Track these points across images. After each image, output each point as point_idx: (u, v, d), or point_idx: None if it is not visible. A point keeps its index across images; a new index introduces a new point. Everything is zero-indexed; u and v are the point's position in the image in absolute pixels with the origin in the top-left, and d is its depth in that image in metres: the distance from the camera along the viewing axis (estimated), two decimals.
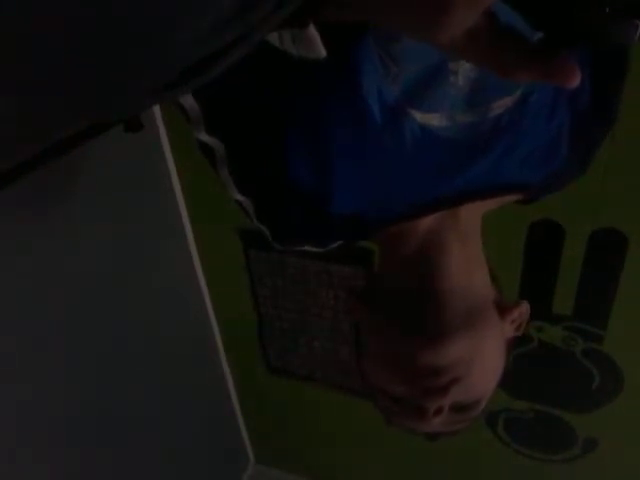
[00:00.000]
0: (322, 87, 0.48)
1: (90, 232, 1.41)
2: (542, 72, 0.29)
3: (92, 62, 0.22)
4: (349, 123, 0.50)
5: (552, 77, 0.29)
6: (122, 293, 1.55)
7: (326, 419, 2.15)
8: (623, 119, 0.61)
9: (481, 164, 0.54)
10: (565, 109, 0.55)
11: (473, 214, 0.59)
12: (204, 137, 0.54)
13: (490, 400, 0.61)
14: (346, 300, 1.68)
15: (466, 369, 0.54)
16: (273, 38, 0.42)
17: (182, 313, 1.85)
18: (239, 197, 0.58)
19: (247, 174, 0.56)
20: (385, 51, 0.46)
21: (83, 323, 1.41)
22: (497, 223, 0.76)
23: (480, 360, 0.55)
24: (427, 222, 0.57)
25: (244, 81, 0.48)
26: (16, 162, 0.30)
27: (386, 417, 0.63)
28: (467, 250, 0.57)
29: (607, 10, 0.26)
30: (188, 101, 0.51)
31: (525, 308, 0.62)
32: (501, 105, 0.51)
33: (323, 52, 0.38)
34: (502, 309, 0.59)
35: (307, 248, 0.63)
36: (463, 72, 0.49)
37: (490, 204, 0.59)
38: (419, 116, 0.50)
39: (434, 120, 0.51)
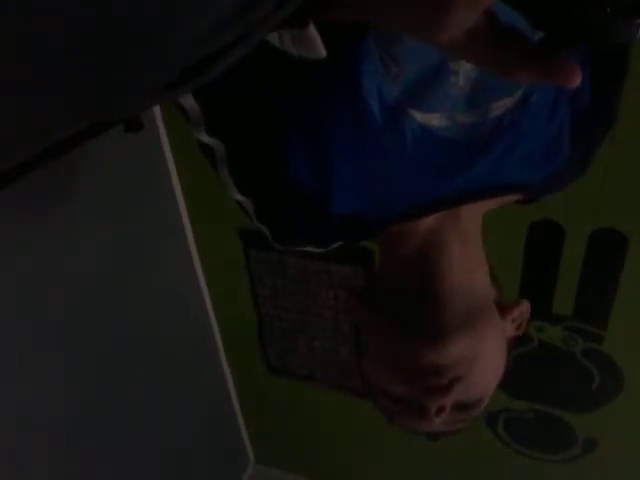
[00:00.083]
0: (322, 87, 0.48)
1: (90, 232, 1.41)
2: (542, 72, 0.29)
3: (92, 62, 0.22)
4: (349, 123, 0.50)
5: (553, 77, 0.29)
6: (122, 293, 1.55)
7: (326, 419, 2.15)
8: (623, 119, 0.61)
9: (481, 164, 0.54)
10: (565, 109, 0.55)
11: (473, 214, 0.59)
12: (204, 138, 0.54)
13: (490, 400, 0.61)
14: (346, 300, 1.68)
15: (467, 368, 0.54)
16: (273, 38, 0.42)
17: (182, 313, 1.85)
18: (239, 197, 0.58)
19: (247, 174, 0.56)
20: (385, 51, 0.46)
21: (83, 323, 1.41)
22: (497, 223, 0.76)
23: (481, 359, 0.55)
24: (427, 222, 0.57)
25: (244, 81, 0.48)
26: (16, 162, 0.30)
27: (387, 417, 0.63)
28: (467, 250, 0.57)
29: (608, 10, 0.26)
30: (188, 101, 0.51)
31: (526, 307, 0.62)
32: (501, 105, 0.51)
33: (323, 52, 0.38)
34: (503, 308, 0.59)
35: (307, 249, 0.63)
36: (464, 72, 0.48)
37: (490, 204, 0.59)
38: (419, 116, 0.50)
39: (434, 120, 0.51)
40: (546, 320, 1.45)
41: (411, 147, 0.51)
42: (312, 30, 0.35)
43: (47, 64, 0.21)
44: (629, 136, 1.08)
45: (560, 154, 0.58)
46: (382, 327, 0.58)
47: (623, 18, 0.26)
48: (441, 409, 0.54)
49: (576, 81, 0.28)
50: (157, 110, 1.54)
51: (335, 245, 0.62)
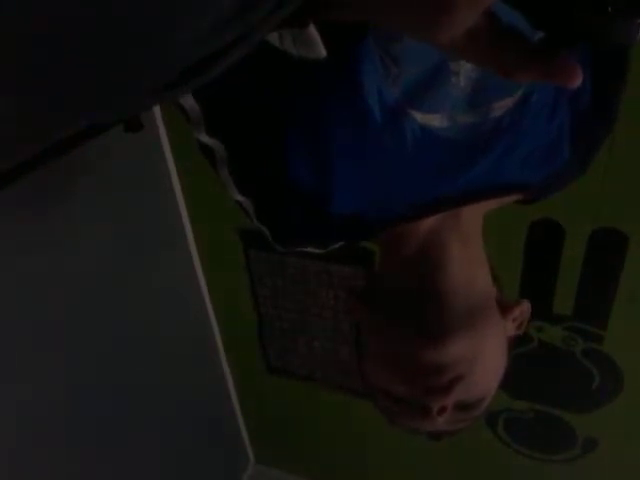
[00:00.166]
0: (322, 87, 0.48)
1: (90, 232, 1.41)
2: (543, 72, 0.29)
3: (92, 62, 0.22)
4: (349, 123, 0.50)
5: (553, 77, 0.29)
6: (122, 293, 1.55)
7: (326, 419, 2.15)
8: (623, 119, 0.61)
9: (481, 164, 0.54)
10: (566, 109, 0.55)
11: (474, 214, 0.58)
12: (204, 138, 0.54)
13: (491, 400, 0.61)
14: (346, 300, 1.68)
15: (468, 367, 0.54)
16: (273, 38, 0.42)
17: (182, 313, 1.85)
18: (239, 197, 0.58)
19: (247, 174, 0.56)
20: (385, 51, 0.46)
21: (83, 323, 1.41)
22: (497, 223, 0.76)
23: (482, 358, 0.55)
24: (428, 223, 0.57)
25: (244, 81, 0.48)
26: (16, 162, 0.30)
27: (388, 417, 0.62)
28: (468, 250, 0.57)
29: (608, 10, 0.26)
30: (188, 101, 0.51)
31: (526, 306, 0.62)
32: (502, 106, 0.51)
33: (323, 52, 0.38)
34: (503, 307, 0.59)
35: (308, 249, 0.63)
36: (464, 73, 0.48)
37: (491, 204, 0.59)
38: (420, 117, 0.50)
39: (435, 121, 0.51)
40: (546, 320, 1.45)
41: (411, 147, 0.51)
42: (312, 30, 0.35)
43: (47, 64, 0.21)
44: (629, 136, 1.08)
45: (560, 154, 0.58)
46: (382, 327, 0.58)
47: (623, 18, 0.26)
48: (443, 409, 0.54)
49: (577, 81, 0.28)
50: (157, 110, 1.54)
51: (335, 245, 0.62)
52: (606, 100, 0.56)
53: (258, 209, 0.58)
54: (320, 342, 1.87)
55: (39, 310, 1.28)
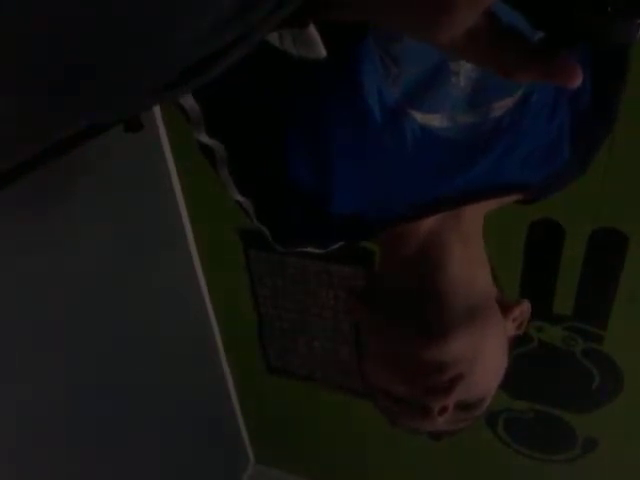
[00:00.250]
0: (322, 87, 0.48)
1: (90, 232, 1.41)
2: (543, 72, 0.29)
3: (92, 62, 0.22)
4: (349, 123, 0.50)
5: (553, 77, 0.29)
6: (122, 293, 1.55)
7: (326, 419, 2.15)
8: (623, 119, 0.61)
9: (481, 164, 0.54)
10: (566, 109, 0.55)
11: (475, 215, 0.58)
12: (204, 138, 0.54)
13: (491, 400, 0.61)
14: (346, 300, 1.68)
15: (469, 367, 0.54)
16: (273, 38, 0.42)
17: (182, 313, 1.85)
18: (239, 197, 0.58)
19: (247, 174, 0.56)
20: (385, 51, 0.46)
21: (83, 323, 1.41)
22: (497, 223, 0.76)
23: (483, 358, 0.55)
24: (428, 223, 0.57)
25: (244, 81, 0.48)
26: (16, 162, 0.30)
27: (388, 418, 0.62)
28: (469, 251, 0.57)
29: (608, 10, 0.26)
30: (188, 102, 0.51)
31: (526, 306, 0.62)
32: (502, 106, 0.51)
33: (323, 52, 0.38)
34: (504, 307, 0.59)
35: (308, 249, 0.63)
36: (465, 73, 0.48)
37: (491, 204, 0.59)
38: (420, 117, 0.50)
39: (435, 121, 0.51)
40: (546, 320, 1.45)
41: (411, 147, 0.51)
42: (312, 30, 0.35)
43: (47, 64, 0.21)
44: (629, 136, 1.08)
45: (560, 154, 0.58)
46: (382, 327, 0.58)
47: (623, 18, 0.26)
48: (444, 409, 0.54)
49: (577, 81, 0.28)
50: (157, 110, 1.54)
51: (335, 245, 0.62)
52: (606, 100, 0.56)
53: (258, 209, 0.58)
54: (320, 342, 1.87)
55: (39, 310, 1.28)
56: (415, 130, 0.51)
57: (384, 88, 0.48)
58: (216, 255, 1.84)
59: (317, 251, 0.63)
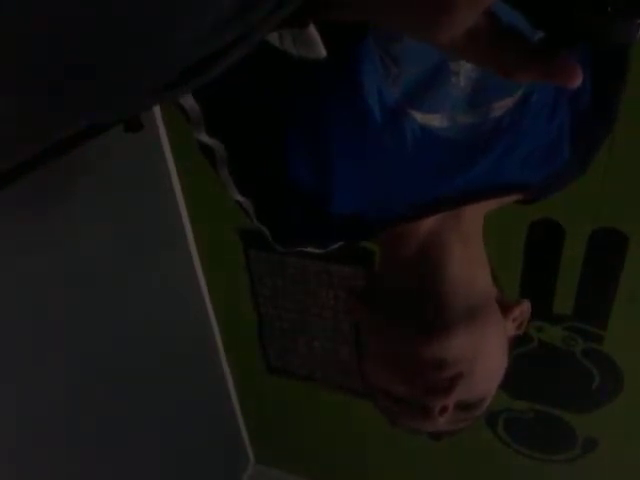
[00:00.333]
0: (322, 87, 0.48)
1: (90, 232, 1.41)
2: (543, 72, 0.29)
3: (92, 62, 0.22)
4: (349, 123, 0.50)
5: (553, 77, 0.29)
6: (122, 293, 1.55)
7: (326, 419, 2.15)
8: (623, 119, 0.61)
9: (481, 164, 0.54)
10: (566, 109, 0.55)
11: (475, 215, 0.58)
12: (204, 138, 0.54)
13: (491, 400, 0.61)
14: (346, 300, 1.68)
15: (469, 366, 0.54)
16: (273, 38, 0.42)
17: (182, 313, 1.85)
18: (239, 197, 0.58)
19: (247, 174, 0.56)
20: (385, 51, 0.46)
21: (83, 323, 1.41)
22: (497, 223, 0.76)
23: (483, 358, 0.55)
24: (428, 223, 0.57)
25: (244, 81, 0.48)
26: (16, 162, 0.30)
27: (389, 418, 0.62)
28: (469, 251, 0.57)
29: (608, 10, 0.26)
30: (188, 101, 0.51)
31: (526, 306, 0.62)
32: (502, 106, 0.51)
33: (323, 52, 0.38)
34: (504, 307, 0.59)
35: (308, 249, 0.63)
36: (465, 73, 0.48)
37: (491, 204, 0.59)
38: (419, 117, 0.50)
39: (435, 121, 0.51)
40: (546, 320, 1.45)
41: (411, 147, 0.51)
42: (312, 30, 0.35)
43: (47, 64, 0.21)
44: (629, 136, 1.08)
45: (560, 154, 0.58)
46: (382, 327, 0.58)
47: (623, 18, 0.26)
48: (444, 409, 0.54)
49: (577, 81, 0.28)
50: (157, 110, 1.54)
51: (335, 245, 0.62)
52: (606, 100, 0.56)
53: (258, 209, 0.58)
54: (320, 342, 1.87)
55: (39, 310, 1.28)
56: (415, 130, 0.51)
57: (384, 88, 0.48)
58: (216, 255, 1.84)
59: (317, 251, 0.63)
